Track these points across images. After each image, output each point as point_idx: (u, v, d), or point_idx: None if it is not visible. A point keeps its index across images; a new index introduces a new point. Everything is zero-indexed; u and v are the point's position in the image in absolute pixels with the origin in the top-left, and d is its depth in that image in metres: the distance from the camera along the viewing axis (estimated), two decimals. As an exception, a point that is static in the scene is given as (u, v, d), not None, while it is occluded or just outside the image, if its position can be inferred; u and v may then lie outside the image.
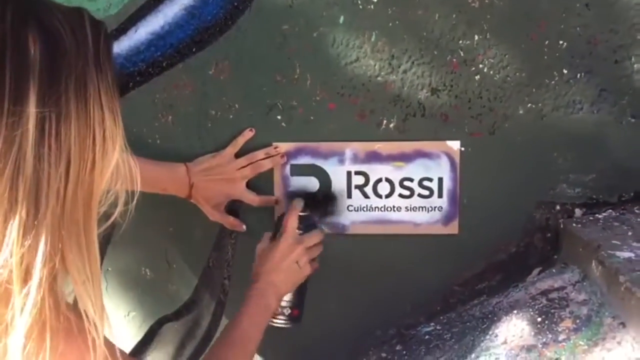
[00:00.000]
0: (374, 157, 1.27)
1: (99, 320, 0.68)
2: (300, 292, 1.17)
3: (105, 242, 1.34)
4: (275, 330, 1.12)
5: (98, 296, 0.68)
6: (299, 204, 1.18)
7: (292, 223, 1.15)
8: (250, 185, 1.28)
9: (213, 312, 1.36)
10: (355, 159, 1.28)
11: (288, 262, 1.12)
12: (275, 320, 1.15)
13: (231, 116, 1.28)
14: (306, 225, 1.17)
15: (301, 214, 1.17)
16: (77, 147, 0.64)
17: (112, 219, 0.73)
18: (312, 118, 1.27)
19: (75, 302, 0.67)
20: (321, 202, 1.29)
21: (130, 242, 1.36)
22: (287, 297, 1.15)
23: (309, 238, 1.16)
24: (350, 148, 1.27)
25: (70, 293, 0.68)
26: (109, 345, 0.71)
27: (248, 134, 1.27)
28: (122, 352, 0.77)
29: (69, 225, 0.64)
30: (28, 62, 0.61)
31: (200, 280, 1.37)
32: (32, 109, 0.60)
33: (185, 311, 1.38)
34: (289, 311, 1.16)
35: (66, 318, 0.66)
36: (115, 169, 0.70)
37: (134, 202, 0.75)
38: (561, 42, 1.19)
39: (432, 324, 1.29)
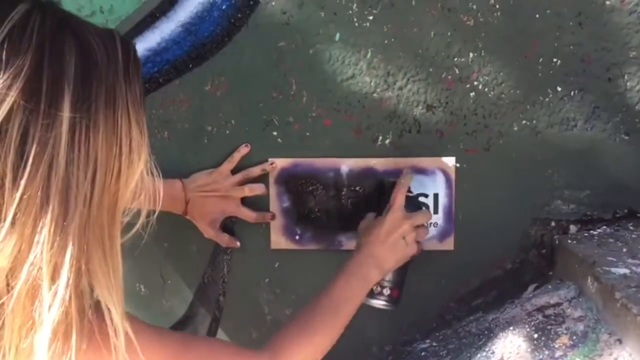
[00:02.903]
0: (369, 173, 1.28)
1: (121, 327, 0.69)
2: (402, 272, 1.13)
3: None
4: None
5: (120, 303, 0.69)
6: (407, 178, 1.14)
7: (400, 198, 1.12)
8: (246, 201, 1.28)
9: (208, 328, 1.35)
10: (351, 175, 1.28)
11: (395, 236, 1.09)
12: (374, 301, 1.11)
13: (227, 132, 1.29)
14: (412, 205, 1.14)
15: (407, 194, 1.13)
16: (104, 154, 0.66)
17: (135, 229, 0.76)
18: (308, 134, 1.27)
19: (98, 307, 0.68)
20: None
21: (124, 258, 1.35)
22: (388, 277, 1.11)
23: (418, 216, 1.13)
24: (346, 164, 1.28)
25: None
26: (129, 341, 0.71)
27: (244, 150, 1.28)
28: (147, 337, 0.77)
29: (94, 230, 0.66)
30: (64, 68, 0.64)
31: (195, 296, 1.36)
32: (65, 113, 0.63)
33: (180, 327, 1.37)
34: (389, 291, 1.11)
35: (89, 322, 0.68)
36: (140, 180, 0.72)
37: (155, 214, 0.77)
38: (555, 59, 1.21)
39: (428, 340, 1.29)
